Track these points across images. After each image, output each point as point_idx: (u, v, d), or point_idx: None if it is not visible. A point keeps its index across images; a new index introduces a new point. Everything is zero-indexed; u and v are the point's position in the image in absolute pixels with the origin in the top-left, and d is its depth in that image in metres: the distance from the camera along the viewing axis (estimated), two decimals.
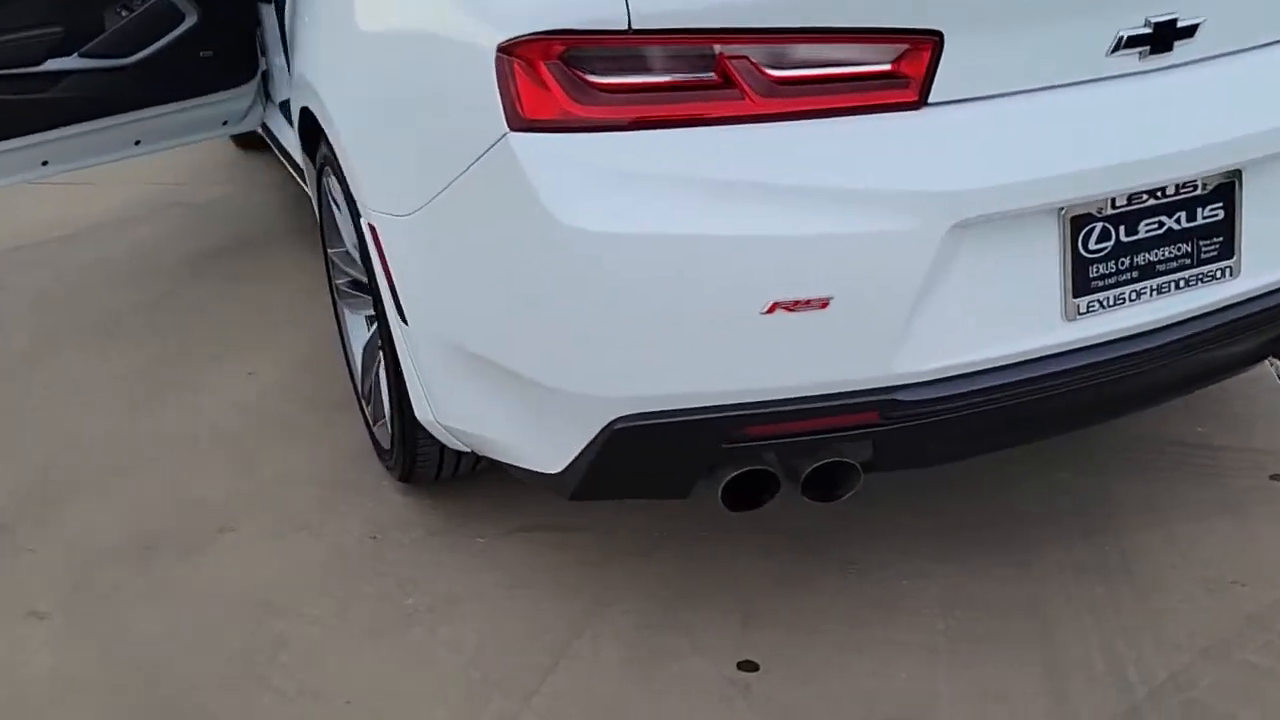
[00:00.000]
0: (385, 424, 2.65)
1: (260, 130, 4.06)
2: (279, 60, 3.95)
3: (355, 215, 2.33)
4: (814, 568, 2.40)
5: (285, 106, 3.89)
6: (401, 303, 2.20)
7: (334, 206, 2.65)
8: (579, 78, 1.76)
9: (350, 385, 2.92)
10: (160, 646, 2.31)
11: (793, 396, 1.84)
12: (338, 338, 2.97)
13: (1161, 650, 2.15)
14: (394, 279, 2.20)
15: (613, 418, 1.88)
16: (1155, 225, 1.91)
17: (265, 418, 3.03)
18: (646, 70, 1.76)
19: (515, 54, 1.78)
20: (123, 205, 4.47)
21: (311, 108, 2.49)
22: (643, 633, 2.28)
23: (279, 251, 4.01)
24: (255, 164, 4.79)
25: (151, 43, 3.63)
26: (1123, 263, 1.91)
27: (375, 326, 2.68)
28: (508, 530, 2.57)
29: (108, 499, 2.75)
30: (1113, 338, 1.92)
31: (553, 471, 2.05)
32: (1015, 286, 1.86)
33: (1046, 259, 1.87)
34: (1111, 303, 1.91)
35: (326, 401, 3.05)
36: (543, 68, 1.77)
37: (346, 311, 2.89)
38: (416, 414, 2.32)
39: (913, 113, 1.77)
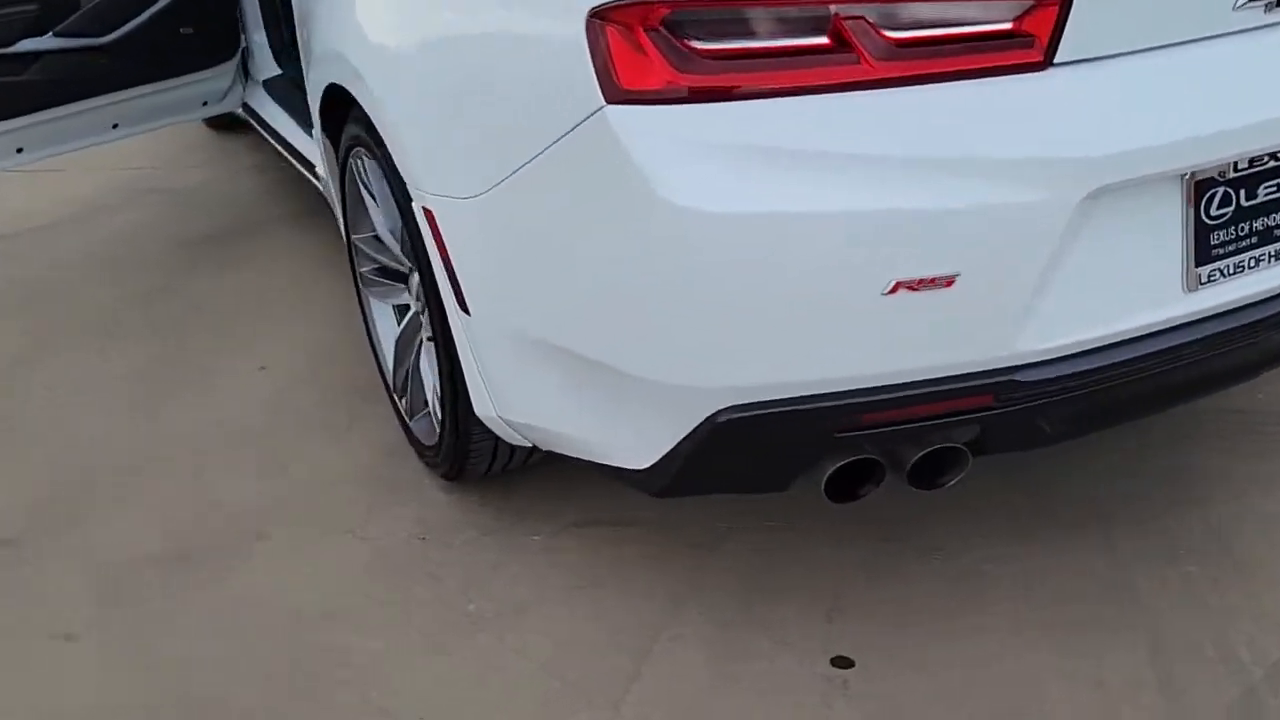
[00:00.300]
0: (427, 418, 2.51)
1: (241, 111, 3.86)
2: (259, 37, 3.76)
3: (402, 198, 2.17)
4: (894, 556, 2.30)
5: (272, 84, 3.70)
6: (464, 292, 2.05)
7: (364, 190, 2.48)
8: (682, 44, 1.63)
9: (377, 377, 2.77)
10: (206, 668, 2.15)
11: (910, 381, 1.73)
12: (362, 327, 2.82)
13: (1272, 629, 2.08)
14: (454, 267, 2.05)
15: (715, 409, 1.76)
16: (1275, 189, 1.83)
17: (286, 414, 2.86)
18: (755, 35, 1.63)
19: (610, 19, 1.64)
20: (96, 193, 4.24)
21: (344, 84, 2.33)
22: (723, 631, 2.17)
23: (269, 237, 3.83)
24: (233, 146, 4.58)
25: (129, 20, 3.43)
26: (1242, 229, 1.82)
27: (408, 316, 2.54)
28: (562, 526, 2.44)
29: (129, 508, 2.58)
30: (1232, 307, 1.84)
31: (638, 467, 1.92)
32: (1138, 258, 1.77)
33: (1169, 227, 1.77)
34: (1231, 271, 1.83)
35: (349, 394, 2.89)
36: (642, 34, 1.63)
37: (372, 300, 2.73)
38: (475, 409, 2.18)
39: (1038, 74, 1.66)
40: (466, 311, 2.07)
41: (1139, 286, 1.78)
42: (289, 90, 3.50)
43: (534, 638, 2.17)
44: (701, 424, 1.78)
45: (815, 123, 1.63)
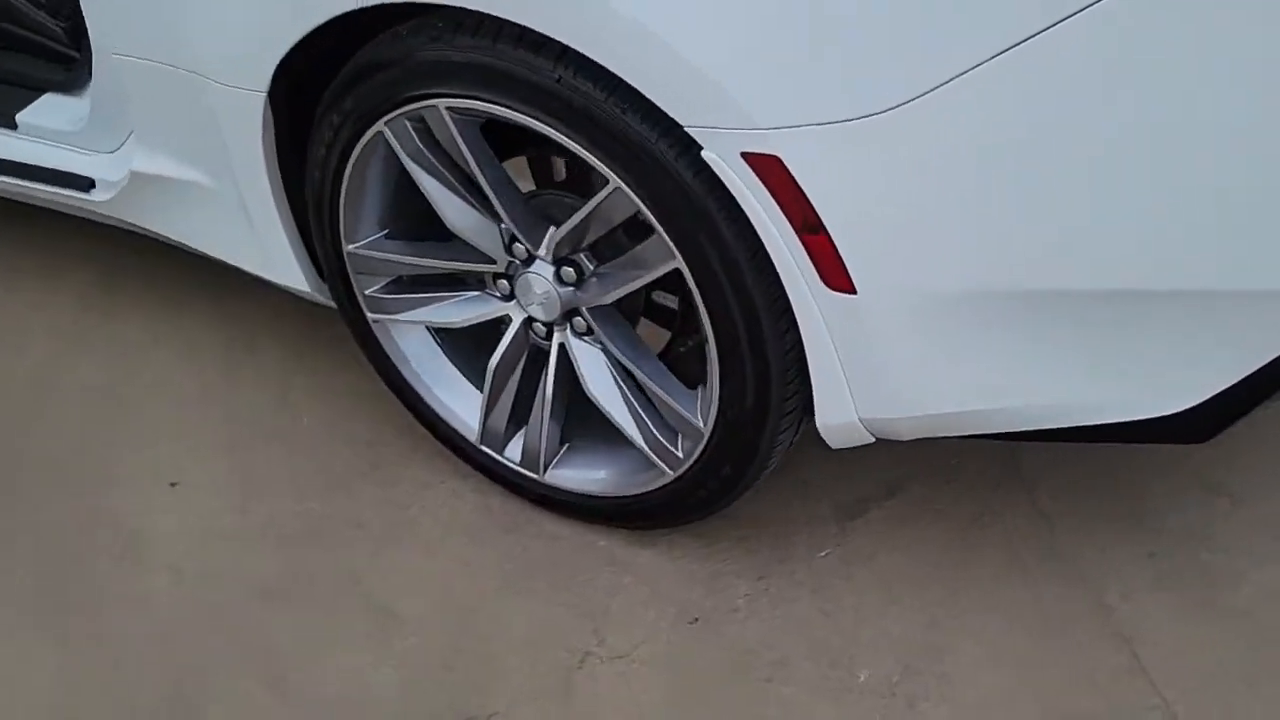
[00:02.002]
0: (573, 464, 1.79)
1: None
2: None
3: (641, 153, 1.39)
4: None
5: None
6: (844, 261, 1.36)
7: (416, 163, 1.61)
8: None
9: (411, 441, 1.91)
10: None
11: None
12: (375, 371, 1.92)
13: None
14: (827, 226, 1.34)
15: None
16: None
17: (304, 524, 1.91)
18: None
19: None
20: None
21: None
22: None
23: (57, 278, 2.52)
24: None
25: None
26: None
27: (512, 331, 1.74)
28: (839, 529, 1.84)
29: None
30: None
31: (1168, 412, 1.41)
32: None
33: None
34: None
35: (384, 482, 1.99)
36: None
37: (399, 328, 1.85)
38: (825, 419, 1.52)
39: None
40: (846, 288, 1.38)
41: None
42: None
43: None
44: None
45: None
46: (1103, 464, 1.89)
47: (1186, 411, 1.41)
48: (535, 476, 1.85)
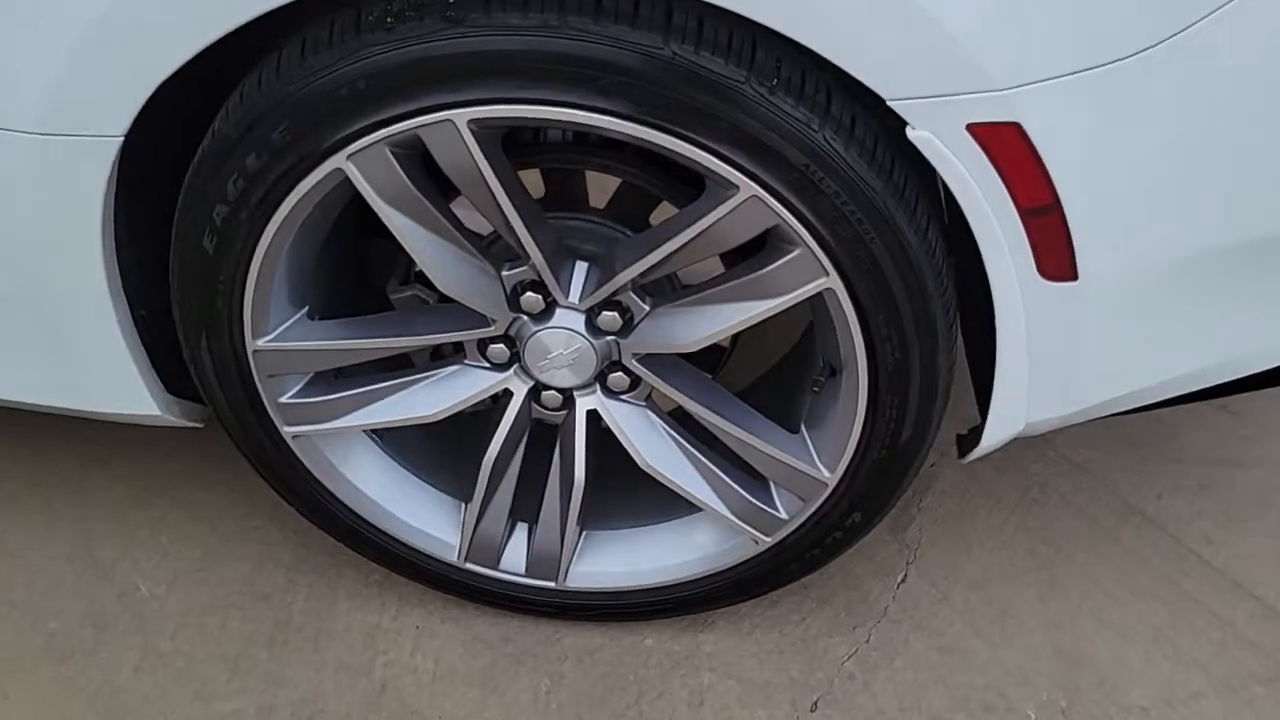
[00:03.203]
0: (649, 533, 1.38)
1: None
2: None
3: (808, 143, 1.01)
4: None
5: None
6: (1075, 242, 1.06)
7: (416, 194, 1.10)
8: None
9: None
10: None
11: None
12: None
13: None
14: (1064, 203, 1.03)
15: None
16: None
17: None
18: None
19: None
20: None
21: None
22: None
23: None
24: None
25: None
26: None
27: (514, 409, 1.30)
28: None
29: None
30: None
31: None
32: None
33: None
34: None
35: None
36: None
37: (326, 439, 1.32)
38: (993, 435, 1.23)
39: None
40: (1065, 276, 1.09)
41: None
42: None
43: None
44: None
45: None
46: None
47: None
48: (550, 585, 1.41)
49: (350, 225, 1.30)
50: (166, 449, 1.68)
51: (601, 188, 1.36)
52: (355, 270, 1.44)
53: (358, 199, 1.14)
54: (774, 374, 1.52)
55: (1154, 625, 1.49)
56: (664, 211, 1.31)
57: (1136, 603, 1.52)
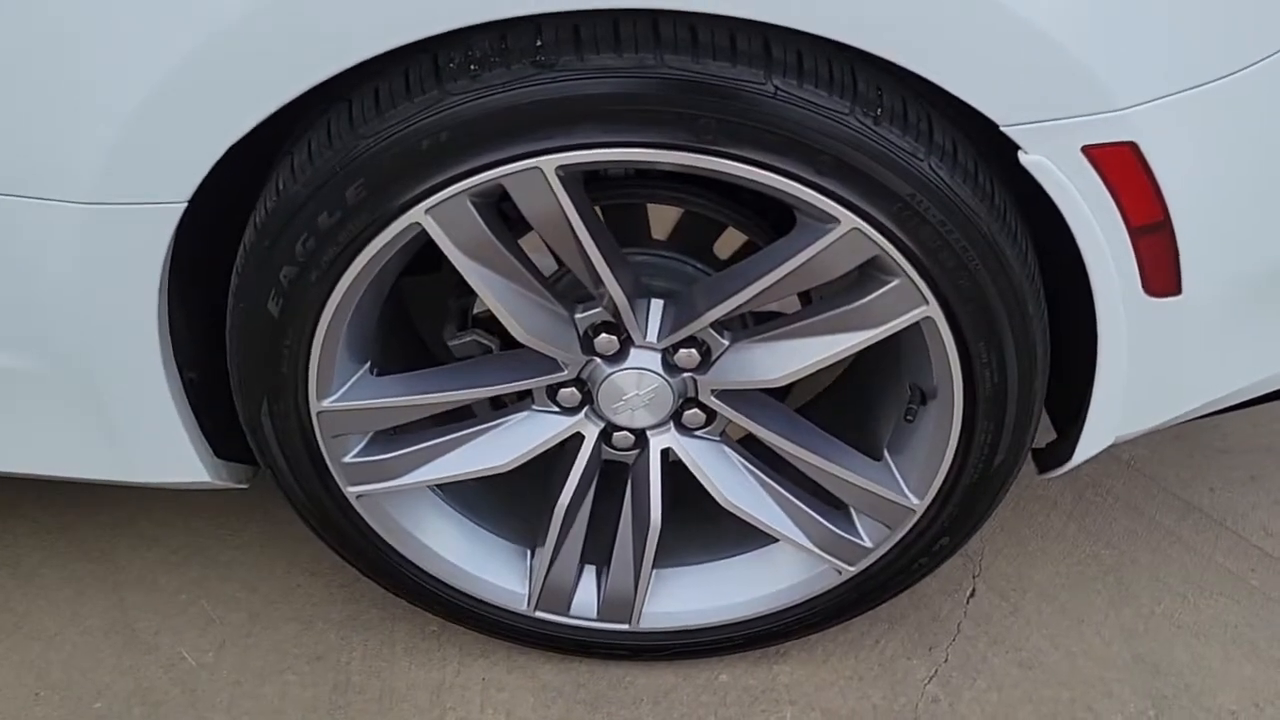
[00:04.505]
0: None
1: None
2: None
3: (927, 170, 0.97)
4: None
5: None
6: (1182, 258, 1.04)
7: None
8: None
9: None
10: None
11: None
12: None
13: None
14: (1174, 222, 1.01)
15: None
16: None
17: None
18: None
19: None
20: None
21: None
22: None
23: None
24: None
25: None
26: None
27: (587, 452, 1.25)
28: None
29: None
30: None
31: None
32: None
33: None
34: None
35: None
36: None
37: (391, 498, 1.26)
38: (1085, 449, 1.20)
39: None
40: (1170, 291, 1.06)
41: None
42: None
43: None
44: None
45: None
46: None
47: None
48: (625, 628, 1.37)
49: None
50: (192, 506, 1.61)
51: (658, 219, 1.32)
52: (400, 316, 1.39)
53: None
54: (836, 390, 1.48)
55: (1229, 624, 1.48)
56: (729, 239, 1.28)
57: (1208, 602, 1.51)
